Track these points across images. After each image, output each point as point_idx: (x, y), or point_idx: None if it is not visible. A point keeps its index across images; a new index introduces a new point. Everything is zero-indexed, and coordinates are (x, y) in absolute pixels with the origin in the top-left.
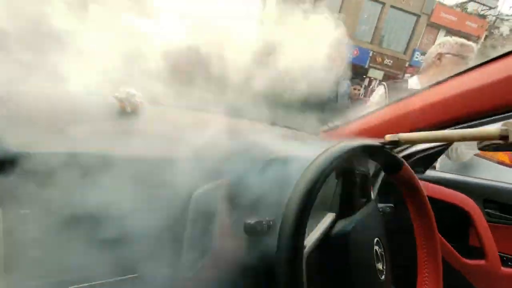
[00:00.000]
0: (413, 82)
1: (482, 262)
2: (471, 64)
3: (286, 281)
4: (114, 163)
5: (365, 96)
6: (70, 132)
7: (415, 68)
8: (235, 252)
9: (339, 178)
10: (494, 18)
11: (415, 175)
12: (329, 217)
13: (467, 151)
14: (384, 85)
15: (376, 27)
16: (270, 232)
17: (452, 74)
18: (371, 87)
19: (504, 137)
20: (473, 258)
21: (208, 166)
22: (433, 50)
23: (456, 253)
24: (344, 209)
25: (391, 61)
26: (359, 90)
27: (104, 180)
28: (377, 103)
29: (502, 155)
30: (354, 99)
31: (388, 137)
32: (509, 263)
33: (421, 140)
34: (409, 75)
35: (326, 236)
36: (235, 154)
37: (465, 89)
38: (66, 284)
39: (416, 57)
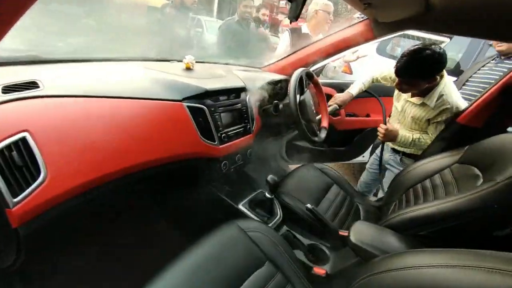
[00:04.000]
0: (304, 28)
1: (337, 118)
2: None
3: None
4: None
5: None
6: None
7: None
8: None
9: None
10: None
11: (318, 79)
12: None
13: (339, 69)
14: (288, 31)
15: None
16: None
17: (323, 24)
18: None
19: None
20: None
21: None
22: (311, 7)
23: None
24: None
25: None
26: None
27: None
28: (286, 45)
29: (344, 69)
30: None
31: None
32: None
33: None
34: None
35: None
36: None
37: (332, 41)
38: None
39: None
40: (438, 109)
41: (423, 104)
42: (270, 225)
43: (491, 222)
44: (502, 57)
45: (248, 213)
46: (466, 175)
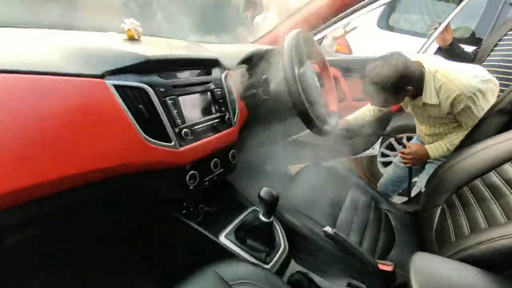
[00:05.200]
0: None
1: (342, 103)
2: None
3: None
4: None
5: None
6: None
7: None
8: None
9: None
10: None
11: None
12: None
13: (330, 49)
14: None
15: None
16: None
17: None
18: None
19: None
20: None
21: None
22: None
23: None
24: None
25: None
26: None
27: None
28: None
29: (339, 47)
30: None
31: None
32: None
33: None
34: None
35: None
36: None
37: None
38: None
39: None
40: (446, 101)
41: (425, 104)
42: (270, 265)
43: None
44: None
45: (235, 248)
46: None
